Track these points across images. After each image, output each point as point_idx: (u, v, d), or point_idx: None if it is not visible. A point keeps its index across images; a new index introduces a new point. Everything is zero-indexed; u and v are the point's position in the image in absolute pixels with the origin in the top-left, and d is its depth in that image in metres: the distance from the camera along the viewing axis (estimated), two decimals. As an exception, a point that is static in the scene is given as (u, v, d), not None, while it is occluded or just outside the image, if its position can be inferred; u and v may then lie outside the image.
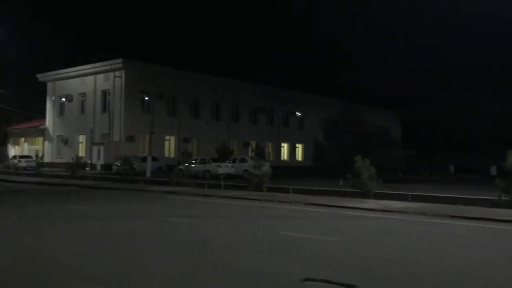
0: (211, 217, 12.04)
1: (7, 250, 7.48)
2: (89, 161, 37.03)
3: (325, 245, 8.05)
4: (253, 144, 45.19)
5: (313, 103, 52.47)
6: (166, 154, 40.10)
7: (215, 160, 31.20)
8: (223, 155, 35.19)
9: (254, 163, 21.24)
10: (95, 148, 37.87)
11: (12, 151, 47.45)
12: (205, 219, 11.73)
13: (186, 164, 24.07)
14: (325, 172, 32.91)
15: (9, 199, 15.94)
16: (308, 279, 5.71)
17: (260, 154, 36.35)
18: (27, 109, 46.70)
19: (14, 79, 44.07)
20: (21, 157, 40.61)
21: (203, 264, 6.56)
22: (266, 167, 20.77)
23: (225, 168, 29.16)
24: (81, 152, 39.26)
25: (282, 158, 50.91)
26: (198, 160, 30.32)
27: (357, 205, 14.19)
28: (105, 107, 39.38)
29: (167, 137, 41.08)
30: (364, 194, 16.18)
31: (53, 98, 43.82)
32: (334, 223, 11.26)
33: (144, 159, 30.45)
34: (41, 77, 44.08)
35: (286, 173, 32.47)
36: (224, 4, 78.45)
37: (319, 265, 6.51)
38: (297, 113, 52.15)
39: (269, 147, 49.53)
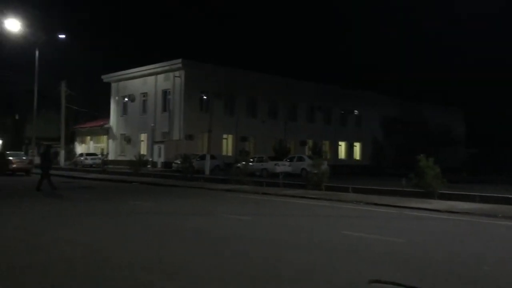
0: (271, 215, 12.06)
1: (77, 243, 7.83)
2: (150, 159, 38.20)
3: (391, 246, 7.83)
4: (310, 142, 44.93)
5: (372, 101, 51.40)
6: (224, 153, 40.67)
7: (272, 159, 31.29)
8: (280, 153, 35.24)
9: (312, 162, 21.11)
10: (156, 146, 39.01)
11: (79, 149, 49.81)
12: (265, 217, 11.76)
13: (244, 162, 24.30)
14: (384, 171, 32.17)
15: (77, 195, 16.71)
16: (376, 281, 5.57)
17: (317, 152, 36.08)
18: (93, 109, 48.86)
19: (81, 81, 46.17)
20: (87, 154, 42.56)
21: (268, 262, 6.57)
22: (324, 166, 20.60)
23: (283, 166, 29.16)
24: (143, 150, 40.60)
25: (339, 157, 50.27)
26: (256, 159, 30.52)
27: (422, 205, 13.72)
28: (165, 107, 40.48)
29: (224, 136, 41.64)
30: (428, 194, 15.63)
31: (117, 98, 45.58)
32: (399, 223, 10.95)
33: (203, 157, 31.01)
34: (105, 78, 45.98)
35: (344, 172, 32.01)
36: (276, 3, 78.46)
37: (386, 267, 6.34)
38: (355, 111, 51.29)
39: (326, 146, 49.06)
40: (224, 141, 42.03)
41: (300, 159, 30.85)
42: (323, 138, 48.26)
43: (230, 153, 41.19)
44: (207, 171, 28.61)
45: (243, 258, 6.89)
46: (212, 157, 31.51)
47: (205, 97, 38.89)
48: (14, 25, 36.92)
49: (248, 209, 13.38)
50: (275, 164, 29.19)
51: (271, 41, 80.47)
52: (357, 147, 53.08)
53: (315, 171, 19.47)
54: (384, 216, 11.98)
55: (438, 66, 77.72)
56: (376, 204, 14.24)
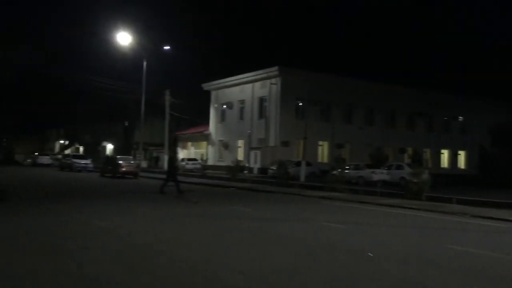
0: (368, 225, 11.76)
1: (182, 243, 8.24)
2: (247, 165, 39.07)
3: (507, 265, 7.27)
4: (409, 150, 43.06)
5: (479, 106, 48.08)
6: (319, 159, 40.39)
7: (369, 166, 30.49)
8: (377, 161, 34.19)
9: (411, 170, 20.24)
10: (252, 152, 39.79)
11: (181, 154, 52.35)
12: (361, 226, 11.50)
13: (340, 170, 23.94)
14: (493, 182, 29.87)
15: (177, 199, 17.56)
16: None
17: (417, 160, 34.49)
18: (194, 116, 51.19)
19: (183, 89, 48.64)
20: (189, 159, 44.62)
21: (365, 273, 6.42)
22: (425, 175, 19.63)
23: (380, 174, 28.27)
24: (240, 156, 41.61)
25: (441, 166, 47.60)
26: (352, 166, 29.93)
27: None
28: (261, 113, 41.22)
29: (320, 143, 41.37)
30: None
31: (216, 105, 47.30)
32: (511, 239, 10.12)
33: (298, 164, 31.06)
34: (205, 86, 47.95)
35: (447, 181, 30.23)
36: (373, 6, 76.43)
37: None
38: (459, 117, 48.32)
39: (427, 154, 46.74)
40: (320, 147, 41.77)
41: (399, 167, 29.73)
42: (424, 146, 46.03)
43: (325, 160, 40.79)
44: (302, 178, 28.61)
45: (340, 269, 6.80)
46: (308, 163, 31.42)
47: (300, 104, 38.98)
48: (124, 38, 39.93)
49: (343, 217, 13.17)
50: (372, 172, 28.39)
51: (367, 46, 78.65)
52: (461, 155, 49.92)
53: (415, 180, 18.65)
54: (496, 231, 11.13)
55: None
56: (485, 218, 13.29)
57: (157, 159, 48.84)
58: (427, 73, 69.62)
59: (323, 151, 42.13)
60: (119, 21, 41.08)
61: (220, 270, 6.35)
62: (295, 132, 36.62)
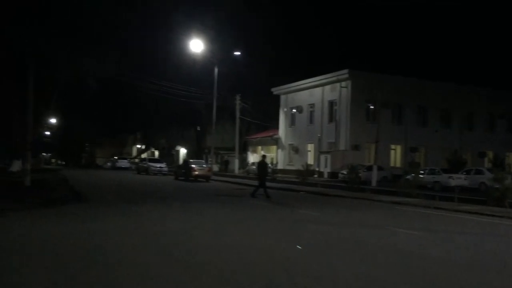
0: (444, 232, 11.27)
1: (253, 247, 8.36)
2: (317, 169, 38.82)
3: None
4: (490, 154, 40.75)
5: None
6: (392, 164, 39.28)
7: (445, 171, 29.22)
8: (455, 165, 32.68)
9: (492, 175, 19.15)
10: (322, 156, 39.49)
11: (251, 158, 53.01)
12: (437, 233, 11.03)
13: (414, 174, 23.13)
14: None
15: (248, 202, 17.80)
16: None
17: (499, 165, 32.57)
18: (264, 120, 51.68)
19: (253, 93, 49.26)
20: (258, 163, 45.02)
21: (442, 285, 6.19)
22: (508, 180, 18.47)
23: (458, 179, 26.90)
24: (310, 160, 41.42)
25: (527, 171, 44.54)
26: (427, 170, 28.84)
27: None
28: (331, 117, 40.80)
29: (392, 146, 40.25)
30: None
31: (285, 109, 47.45)
32: None
33: (369, 168, 30.41)
34: (275, 90, 48.26)
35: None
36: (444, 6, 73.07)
37: None
38: (547, 118, 45.02)
39: (509, 158, 43.95)
40: (392, 151, 40.62)
41: (479, 172, 28.23)
42: (507, 150, 43.31)
43: (398, 164, 39.58)
44: (374, 183, 27.97)
45: (419, 278, 6.59)
46: (379, 168, 30.67)
47: (372, 107, 38.15)
48: (197, 46, 41.20)
49: (418, 223, 12.72)
50: (449, 177, 27.13)
51: (441, 45, 75.36)
52: (549, 159, 46.46)
53: (497, 186, 17.62)
54: None
55: None
56: None
57: (227, 163, 49.80)
58: (508, 72, 65.46)
59: (396, 155, 40.93)
60: (192, 29, 42.33)
61: (295, 275, 6.38)
62: (366, 135, 35.89)
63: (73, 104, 53.16)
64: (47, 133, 67.81)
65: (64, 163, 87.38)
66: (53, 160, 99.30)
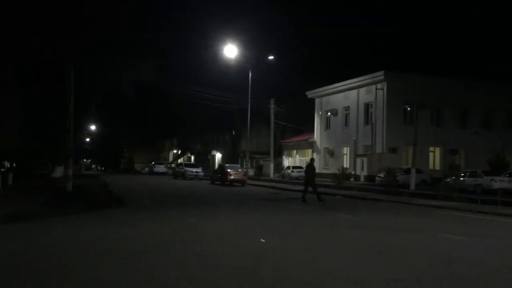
0: (488, 237, 10.90)
1: (290, 250, 8.34)
2: (353, 172, 38.35)
3: None
4: (534, 155, 39.22)
5: None
6: (431, 166, 38.40)
7: (487, 173, 28.31)
8: (497, 168, 31.61)
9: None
10: (358, 160, 39.01)
11: (286, 162, 52.91)
12: (481, 238, 10.68)
13: (454, 177, 22.53)
14: None
15: (284, 206, 17.76)
16: None
17: (545, 167, 31.31)
18: (298, 124, 51.53)
19: (287, 97, 49.24)
20: (294, 167, 44.97)
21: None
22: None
23: (501, 182, 26.05)
24: (346, 163, 40.97)
25: None
26: (468, 173, 28.03)
27: None
28: (367, 120, 40.28)
29: (431, 149, 39.35)
30: None
31: (320, 112, 47.17)
32: None
33: (407, 171, 29.81)
34: (309, 94, 48.06)
35: None
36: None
37: None
38: None
39: (556, 159, 42.15)
40: (431, 154, 39.70)
41: (523, 174, 27.20)
42: (552, 151, 41.61)
43: (437, 167, 38.64)
44: (412, 186, 27.38)
45: (463, 284, 6.42)
46: (418, 171, 29.99)
47: (409, 109, 37.42)
48: (231, 51, 41.57)
49: (460, 228, 12.36)
50: (492, 180, 26.27)
51: (481, 43, 73.17)
52: None
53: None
54: None
55: None
56: None
57: (261, 167, 49.89)
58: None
59: (435, 157, 39.98)
60: (226, 35, 42.77)
61: (330, 280, 6.33)
62: (403, 138, 35.23)
63: (111, 111, 54.50)
64: (87, 139, 69.79)
65: (103, 168, 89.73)
66: (93, 166, 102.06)
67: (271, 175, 45.94)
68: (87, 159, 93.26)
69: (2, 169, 26.20)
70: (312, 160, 21.41)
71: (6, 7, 18.00)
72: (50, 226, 11.36)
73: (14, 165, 30.79)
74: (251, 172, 46.48)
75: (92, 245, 8.65)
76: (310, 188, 19.93)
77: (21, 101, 17.95)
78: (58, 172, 38.50)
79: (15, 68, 17.01)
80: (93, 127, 64.23)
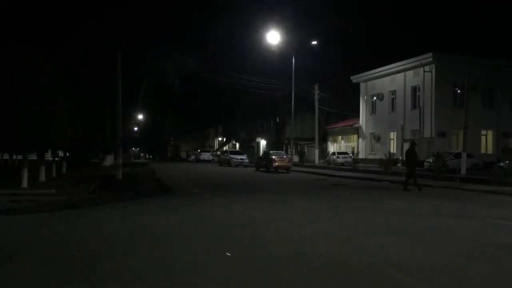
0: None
1: (337, 237, 8.29)
2: (400, 158, 37.55)
3: None
4: None
5: None
6: (482, 150, 37.06)
7: (544, 157, 26.99)
8: (555, 151, 30.12)
9: None
10: (406, 145, 38.05)
11: (331, 148, 52.45)
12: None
13: (508, 161, 21.64)
14: None
15: (330, 192, 17.64)
16: None
17: None
18: (343, 109, 50.86)
19: (332, 82, 48.63)
20: (339, 153, 44.56)
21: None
22: None
23: (559, 166, 24.81)
24: (392, 149, 40.18)
25: None
26: (523, 157, 26.81)
27: None
28: (415, 104, 39.23)
29: (483, 132, 37.93)
30: None
31: (365, 97, 46.32)
32: None
33: (457, 156, 28.91)
34: (354, 78, 47.24)
35: None
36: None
37: None
38: None
39: None
40: (483, 137, 38.25)
41: None
42: None
43: (490, 151, 37.23)
44: (463, 171, 26.53)
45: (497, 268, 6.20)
46: (469, 155, 29.03)
47: (459, 91, 36.10)
48: (274, 37, 41.43)
49: (514, 214, 11.89)
50: (549, 164, 25.07)
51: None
52: None
53: None
54: None
55: None
56: None
57: (302, 154, 49.65)
58: None
59: (487, 141, 38.52)
60: (269, 21, 42.69)
61: (377, 265, 6.26)
62: (453, 121, 34.12)
63: (158, 102, 55.66)
64: (135, 129, 71.68)
65: (151, 157, 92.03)
66: (141, 154, 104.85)
67: (316, 161, 45.68)
68: (135, 147, 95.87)
69: (56, 159, 27.32)
70: (413, 144, 19.26)
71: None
72: (103, 212, 11.80)
73: (68, 154, 32.06)
74: (295, 158, 46.40)
75: (144, 231, 8.93)
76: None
77: (71, 92, 18.63)
78: (109, 160, 39.83)
79: (64, 58, 17.66)
80: (140, 117, 65.86)
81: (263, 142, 70.44)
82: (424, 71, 37.59)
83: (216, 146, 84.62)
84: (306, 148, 53.13)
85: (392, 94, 42.36)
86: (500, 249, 7.33)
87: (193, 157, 65.50)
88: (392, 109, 42.39)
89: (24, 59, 14.68)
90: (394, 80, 41.74)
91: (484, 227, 9.64)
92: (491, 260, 6.63)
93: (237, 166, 41.45)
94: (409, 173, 18.26)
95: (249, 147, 70.94)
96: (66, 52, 19.03)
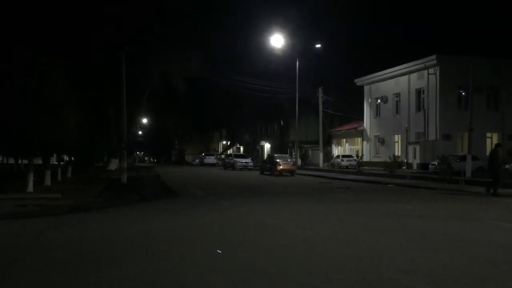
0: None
1: (342, 240, 8.28)
2: (405, 160, 37.46)
3: None
4: None
5: None
6: (488, 153, 36.85)
7: (550, 159, 26.88)
8: (562, 153, 29.97)
9: None
10: (410, 147, 38.04)
11: (336, 151, 52.35)
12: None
13: (514, 164, 21.53)
14: None
15: (335, 195, 17.61)
16: None
17: None
18: (347, 112, 50.79)
19: (336, 85, 48.59)
20: (343, 156, 44.46)
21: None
22: None
23: None
24: (397, 151, 40.07)
25: None
26: (528, 159, 26.70)
27: None
28: (419, 106, 39.14)
29: (488, 134, 37.78)
30: None
31: (370, 100, 46.26)
32: None
33: (462, 158, 28.81)
34: (358, 81, 47.20)
35: None
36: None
37: None
38: None
39: None
40: (488, 139, 38.07)
41: None
42: None
43: (495, 153, 37.11)
44: (468, 173, 26.43)
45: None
46: (474, 157, 28.91)
47: (463, 93, 35.99)
48: (278, 41, 41.51)
49: (521, 216, 11.83)
50: (555, 166, 24.97)
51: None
52: None
53: None
54: None
55: None
56: None
57: (306, 157, 49.50)
58: None
59: (492, 143, 38.28)
60: (273, 24, 42.74)
61: (383, 269, 6.24)
62: (458, 124, 34.00)
63: (162, 105, 55.71)
64: (140, 132, 71.78)
65: (155, 160, 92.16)
66: (146, 158, 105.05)
67: (321, 164, 45.61)
68: (140, 151, 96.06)
69: (61, 163, 27.39)
70: (497, 145, 18.63)
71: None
72: (109, 215, 11.83)
73: (73, 158, 32.15)
74: (300, 162, 46.34)
75: (149, 234, 8.94)
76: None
77: (75, 95, 18.68)
78: (113, 164, 39.91)
79: (68, 60, 17.71)
80: (144, 121, 65.98)
81: (267, 145, 70.40)
82: (428, 74, 37.52)
83: (220, 150, 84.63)
84: (310, 151, 53.06)
85: (397, 96, 42.30)
86: (510, 252, 7.29)
87: (197, 160, 65.54)
88: (397, 112, 42.32)
89: (29, 62, 14.74)
90: (398, 83, 41.68)
91: (491, 229, 9.60)
92: (502, 264, 6.59)
93: (241, 169, 41.44)
94: (496, 174, 17.35)
95: (253, 150, 70.92)
96: (72, 55, 19.09)
